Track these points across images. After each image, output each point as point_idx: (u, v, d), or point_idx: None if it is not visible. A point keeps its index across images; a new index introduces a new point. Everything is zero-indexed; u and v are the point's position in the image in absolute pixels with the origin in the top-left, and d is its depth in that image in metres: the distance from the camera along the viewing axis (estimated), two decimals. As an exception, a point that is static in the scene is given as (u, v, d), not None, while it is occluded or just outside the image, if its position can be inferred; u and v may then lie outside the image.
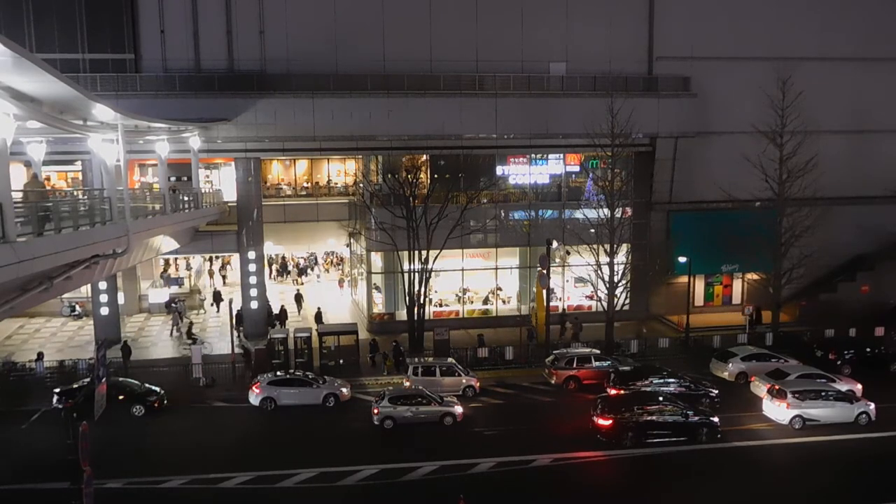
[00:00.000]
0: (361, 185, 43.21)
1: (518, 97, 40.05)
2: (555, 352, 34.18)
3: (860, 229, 43.64)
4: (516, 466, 24.68)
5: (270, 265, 52.83)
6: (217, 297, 44.97)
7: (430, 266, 37.54)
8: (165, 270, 49.67)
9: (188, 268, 52.04)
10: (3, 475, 23.37)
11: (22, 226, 17.44)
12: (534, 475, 24.21)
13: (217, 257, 51.43)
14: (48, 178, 38.30)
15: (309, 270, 55.44)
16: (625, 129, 36.14)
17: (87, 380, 29.24)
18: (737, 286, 45.49)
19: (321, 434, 27.58)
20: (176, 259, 49.84)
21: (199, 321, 43.10)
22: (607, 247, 36.71)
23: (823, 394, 28.54)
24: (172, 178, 37.59)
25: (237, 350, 34.86)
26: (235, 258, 52.23)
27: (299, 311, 44.41)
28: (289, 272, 54.79)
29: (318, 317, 40.93)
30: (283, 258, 55.39)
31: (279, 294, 48.68)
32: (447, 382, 31.28)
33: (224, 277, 52.23)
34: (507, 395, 32.12)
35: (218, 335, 39.83)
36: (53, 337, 40.49)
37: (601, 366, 32.59)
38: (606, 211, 36.74)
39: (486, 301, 43.18)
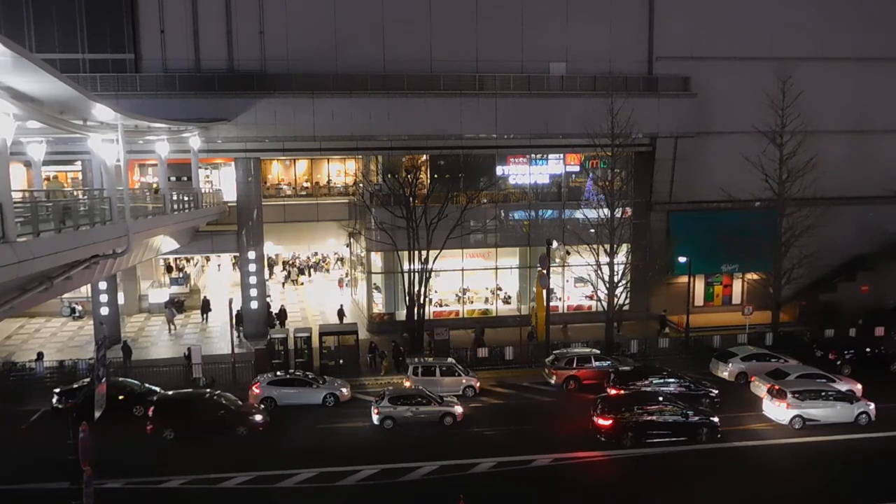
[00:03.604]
0: (361, 185, 43.19)
1: (518, 97, 40.04)
2: (555, 352, 34.18)
3: (860, 229, 43.66)
4: (516, 466, 24.67)
5: (272, 267, 52.50)
6: (206, 307, 43.24)
7: (429, 266, 37.54)
8: (172, 269, 49.36)
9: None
10: (3, 475, 23.36)
11: (22, 226, 17.44)
12: (534, 475, 24.21)
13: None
14: (48, 178, 38.23)
15: (310, 271, 55.34)
16: (625, 129, 36.15)
17: (87, 380, 29.24)
18: (737, 286, 45.48)
19: (321, 434, 27.57)
20: (177, 259, 49.78)
21: (194, 323, 43.08)
22: (607, 247, 36.72)
23: (823, 394, 28.55)
24: (172, 178, 37.55)
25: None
26: (216, 258, 52.62)
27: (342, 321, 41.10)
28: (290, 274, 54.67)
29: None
30: (288, 262, 55.04)
31: (280, 294, 48.64)
32: (447, 382, 31.30)
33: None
34: (507, 395, 32.13)
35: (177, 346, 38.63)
36: (53, 337, 40.48)
37: (601, 366, 32.60)
38: (606, 211, 36.76)
39: (486, 300, 43.14)
